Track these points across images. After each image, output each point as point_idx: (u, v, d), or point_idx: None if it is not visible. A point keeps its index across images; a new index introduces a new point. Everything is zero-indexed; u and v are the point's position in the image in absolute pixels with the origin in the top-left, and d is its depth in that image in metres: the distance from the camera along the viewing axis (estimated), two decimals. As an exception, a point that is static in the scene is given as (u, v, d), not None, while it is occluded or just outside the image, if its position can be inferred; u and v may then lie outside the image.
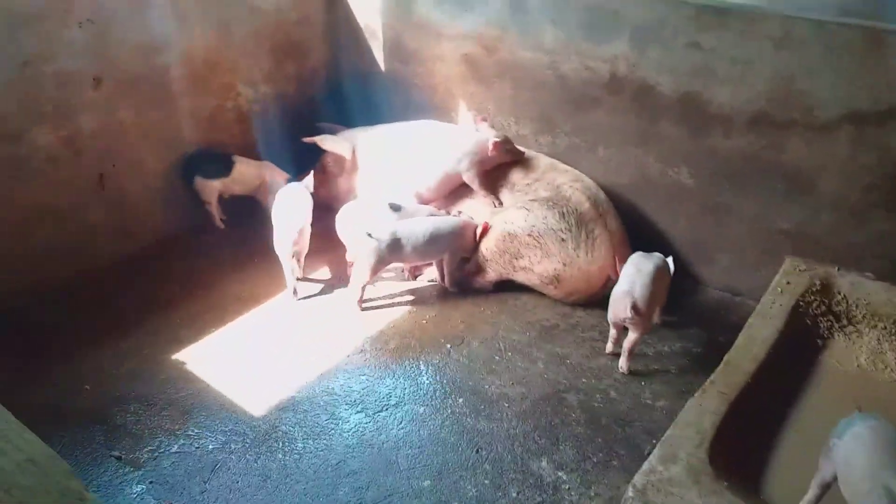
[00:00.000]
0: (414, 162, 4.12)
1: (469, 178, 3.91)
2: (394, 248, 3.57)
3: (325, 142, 4.39)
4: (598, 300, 3.68)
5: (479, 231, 3.77)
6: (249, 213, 4.40)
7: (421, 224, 3.68)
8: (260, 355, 3.35)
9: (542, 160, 3.99)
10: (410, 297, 3.82)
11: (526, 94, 4.14)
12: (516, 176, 3.93)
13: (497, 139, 3.83)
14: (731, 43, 3.32)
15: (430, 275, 3.96)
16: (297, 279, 3.86)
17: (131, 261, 3.99)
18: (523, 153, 3.98)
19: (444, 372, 3.24)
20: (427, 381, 3.18)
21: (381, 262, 3.59)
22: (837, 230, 3.41)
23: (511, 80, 4.16)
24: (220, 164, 4.21)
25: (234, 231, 4.35)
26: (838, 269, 3.04)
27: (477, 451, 2.81)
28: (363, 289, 3.66)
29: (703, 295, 3.88)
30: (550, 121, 4.12)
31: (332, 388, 3.14)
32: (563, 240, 3.60)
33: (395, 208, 3.83)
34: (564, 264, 3.58)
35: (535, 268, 3.65)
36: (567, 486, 2.68)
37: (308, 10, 4.70)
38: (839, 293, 3.02)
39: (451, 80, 4.44)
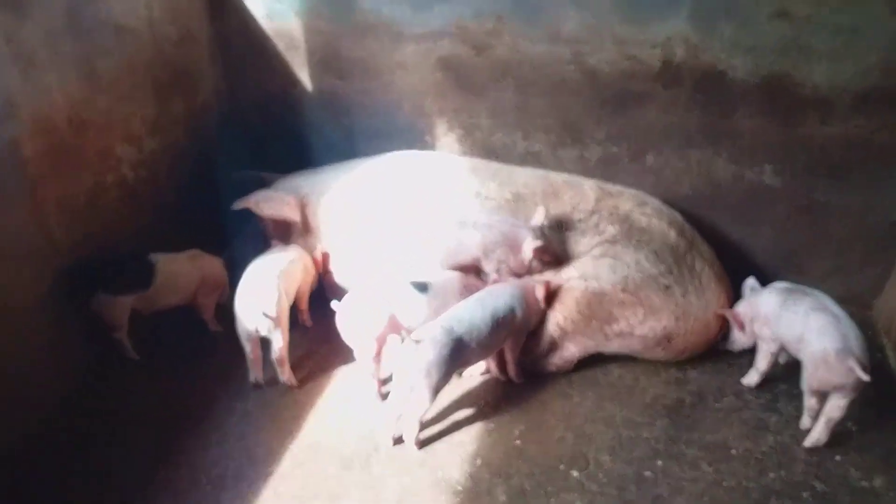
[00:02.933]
0: (401, 235, 3.15)
1: (489, 270, 3.07)
2: (458, 352, 2.60)
3: (263, 205, 3.23)
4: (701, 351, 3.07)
5: (540, 294, 2.91)
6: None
7: (476, 308, 2.73)
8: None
9: (586, 184, 3.22)
10: (472, 409, 2.86)
11: (537, 100, 3.32)
12: (560, 209, 3.12)
13: (537, 242, 2.95)
14: (832, 9, 2.78)
15: (478, 368, 3.03)
16: (284, 380, 2.96)
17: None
18: (561, 262, 3.10)
19: (601, 519, 2.40)
20: (590, 543, 2.32)
21: (445, 377, 2.60)
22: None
23: (514, 83, 3.31)
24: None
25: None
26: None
27: None
28: (421, 420, 2.66)
29: (800, 311, 3.39)
30: (575, 129, 3.35)
31: None
32: (667, 287, 2.89)
33: (422, 288, 2.85)
34: (677, 318, 2.88)
35: (637, 330, 2.90)
36: None
37: (189, 21, 3.42)
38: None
39: (421, 93, 3.47)
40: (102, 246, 2.96)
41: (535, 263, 3.01)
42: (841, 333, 2.49)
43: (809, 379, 2.59)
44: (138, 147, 3.18)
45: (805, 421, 2.71)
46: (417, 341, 2.55)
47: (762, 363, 2.86)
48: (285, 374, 2.92)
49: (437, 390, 2.61)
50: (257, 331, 2.82)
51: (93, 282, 2.83)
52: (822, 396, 2.61)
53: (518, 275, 3.03)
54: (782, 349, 2.80)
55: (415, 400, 2.61)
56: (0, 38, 2.44)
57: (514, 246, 2.95)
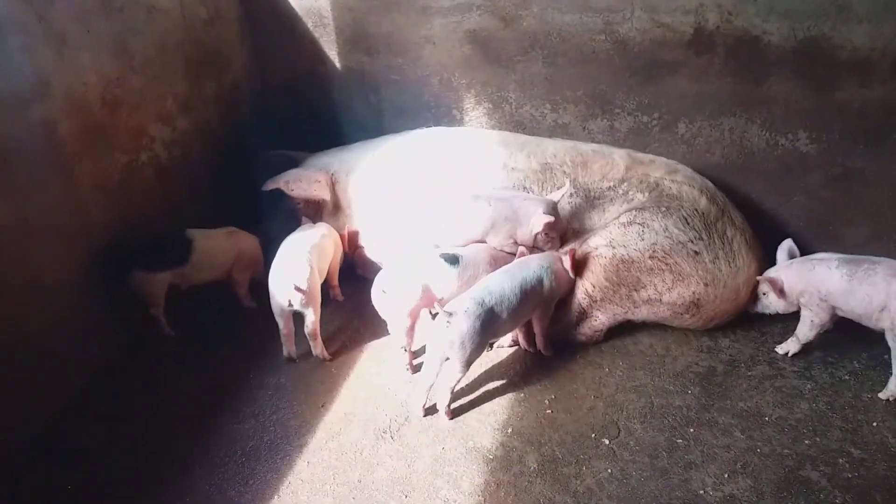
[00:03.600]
0: (428, 210, 3.16)
1: (496, 244, 3.05)
2: (489, 323, 2.60)
3: (293, 185, 3.25)
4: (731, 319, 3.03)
5: (567, 263, 2.89)
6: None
7: (505, 279, 2.72)
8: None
9: (616, 153, 3.18)
10: (502, 380, 2.87)
11: (566, 71, 3.28)
12: (588, 178, 3.10)
13: (548, 217, 2.90)
14: (873, -34, 2.70)
15: (507, 339, 3.03)
16: (317, 353, 2.98)
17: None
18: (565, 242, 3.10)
19: (631, 486, 2.36)
20: (622, 510, 2.31)
21: (479, 349, 2.60)
22: None
23: (543, 55, 3.28)
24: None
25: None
26: None
27: None
28: (452, 391, 2.67)
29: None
30: (605, 100, 3.30)
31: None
32: (696, 253, 2.85)
33: (453, 260, 2.85)
34: (706, 284, 2.84)
35: (665, 297, 2.87)
36: None
37: (219, 1, 3.43)
38: None
39: (449, 67, 3.46)
40: (136, 224, 3.02)
41: (541, 237, 2.98)
42: None
43: None
44: (171, 126, 3.24)
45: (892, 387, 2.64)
46: (450, 314, 2.56)
47: (808, 334, 2.78)
48: (318, 348, 2.95)
49: (470, 362, 2.61)
50: (290, 305, 2.84)
51: (130, 259, 2.89)
52: None
53: (526, 249, 3.01)
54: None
55: (448, 371, 2.63)
56: (32, 16, 2.49)
57: (524, 220, 2.94)
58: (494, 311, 2.61)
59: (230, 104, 3.62)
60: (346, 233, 3.27)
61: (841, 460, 2.44)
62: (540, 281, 2.80)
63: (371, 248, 3.33)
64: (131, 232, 2.95)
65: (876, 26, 2.78)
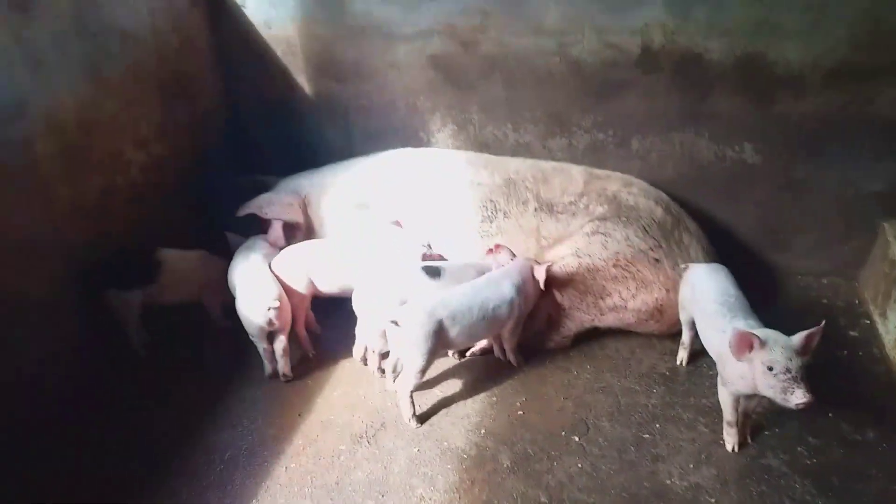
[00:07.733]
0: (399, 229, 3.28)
1: None
2: (437, 334, 2.60)
3: (267, 210, 3.30)
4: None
5: (540, 275, 2.91)
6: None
7: (466, 294, 2.73)
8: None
9: (574, 169, 3.30)
10: (474, 385, 2.91)
11: (525, 92, 3.41)
12: (550, 193, 3.20)
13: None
14: (801, -13, 2.89)
15: (476, 347, 3.08)
16: (281, 374, 2.97)
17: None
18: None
19: (600, 479, 2.42)
20: (591, 501, 2.35)
21: (429, 356, 2.61)
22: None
23: (502, 77, 3.40)
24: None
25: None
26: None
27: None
28: (412, 397, 2.70)
29: (787, 285, 3.47)
30: (562, 119, 3.44)
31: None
32: (657, 260, 2.94)
33: (434, 273, 2.88)
34: (668, 290, 2.93)
35: (630, 303, 2.96)
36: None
37: (190, 30, 3.52)
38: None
39: (414, 92, 3.56)
40: (113, 247, 3.00)
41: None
42: None
43: None
44: (146, 151, 3.26)
45: None
46: (394, 322, 2.57)
47: None
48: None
49: (421, 369, 2.62)
50: (270, 325, 2.83)
51: (105, 275, 2.89)
52: None
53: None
54: None
55: (402, 379, 2.68)
56: (9, 38, 2.53)
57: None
58: (444, 325, 2.62)
59: (203, 130, 3.67)
60: None
61: (799, 448, 2.54)
62: (508, 303, 2.78)
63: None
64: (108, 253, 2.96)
65: (806, 42, 2.96)
